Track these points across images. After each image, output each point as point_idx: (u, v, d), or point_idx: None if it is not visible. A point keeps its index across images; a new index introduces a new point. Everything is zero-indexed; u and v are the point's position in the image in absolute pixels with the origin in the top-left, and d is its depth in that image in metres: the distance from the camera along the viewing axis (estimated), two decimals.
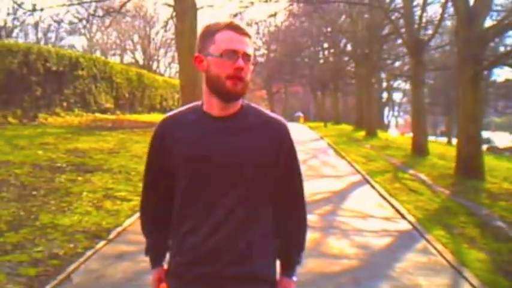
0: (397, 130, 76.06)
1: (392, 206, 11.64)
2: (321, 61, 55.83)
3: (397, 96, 74.88)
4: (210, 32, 2.50)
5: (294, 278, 2.73)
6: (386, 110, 72.98)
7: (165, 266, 2.74)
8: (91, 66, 29.52)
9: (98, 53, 59.59)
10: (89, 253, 7.33)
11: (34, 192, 10.79)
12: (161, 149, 2.61)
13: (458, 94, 18.82)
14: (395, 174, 16.66)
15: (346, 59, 46.30)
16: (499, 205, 12.24)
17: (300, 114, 61.05)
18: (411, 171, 17.39)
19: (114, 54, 66.02)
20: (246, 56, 2.44)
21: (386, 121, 72.21)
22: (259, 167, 2.50)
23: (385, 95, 65.90)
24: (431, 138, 45.06)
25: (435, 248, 8.41)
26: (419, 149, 22.06)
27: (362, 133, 33.41)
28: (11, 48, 23.22)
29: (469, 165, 15.75)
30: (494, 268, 7.60)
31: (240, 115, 2.54)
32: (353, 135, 33.96)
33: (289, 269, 2.73)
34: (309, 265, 7.17)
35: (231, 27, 2.47)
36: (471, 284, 6.83)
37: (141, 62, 59.95)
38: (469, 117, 15.86)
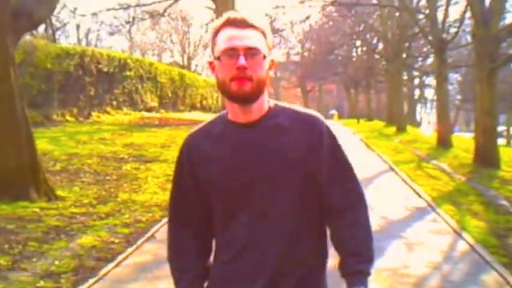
0: (430, 127, 76.73)
1: (412, 188, 13.48)
2: (354, 59, 57.19)
3: (429, 93, 75.65)
4: (214, 32, 2.26)
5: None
6: (418, 107, 74.17)
7: None
8: (137, 67, 31.61)
9: (137, 53, 61.94)
10: (164, 220, 9.33)
11: (108, 178, 12.91)
12: (189, 169, 2.34)
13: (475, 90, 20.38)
14: (419, 164, 18.42)
15: (377, 57, 47.71)
16: (507, 188, 13.88)
17: (334, 112, 62.53)
18: (434, 162, 19.09)
19: (153, 55, 68.42)
20: (250, 51, 2.16)
21: (418, 118, 73.38)
22: (301, 172, 2.25)
23: (417, 92, 67.04)
24: (465, 134, 46.19)
25: (443, 218, 10.24)
26: (444, 142, 23.66)
27: (393, 129, 34.93)
28: (68, 51, 25.46)
29: (486, 155, 17.38)
30: (489, 232, 9.36)
31: (268, 118, 2.28)
32: (384, 130, 35.58)
33: (352, 283, 2.26)
34: None
35: (230, 22, 2.22)
36: (467, 242, 8.61)
37: (179, 62, 62.11)
38: (485, 112, 17.53)
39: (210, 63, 2.28)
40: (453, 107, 67.00)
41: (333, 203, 2.33)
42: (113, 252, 7.42)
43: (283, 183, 2.23)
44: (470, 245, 8.43)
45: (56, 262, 6.80)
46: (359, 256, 2.29)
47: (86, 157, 15.37)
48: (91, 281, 6.31)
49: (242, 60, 2.13)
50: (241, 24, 2.20)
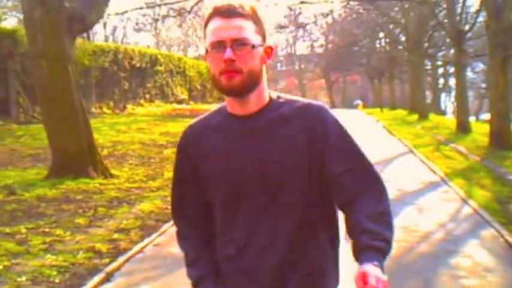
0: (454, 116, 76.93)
1: (428, 166, 14.76)
2: (377, 50, 57.99)
3: (453, 82, 75.75)
4: (204, 24, 2.14)
5: (376, 263, 1.92)
6: (443, 95, 74.62)
7: None
8: (167, 62, 33.21)
9: (163, 49, 63.40)
10: None
11: (151, 160, 14.38)
12: (188, 160, 2.28)
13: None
14: (438, 147, 19.62)
15: (400, 47, 48.55)
16: None
17: (359, 102, 63.34)
18: (452, 145, 20.26)
19: (178, 50, 69.84)
20: (237, 42, 2.04)
21: (443, 107, 73.84)
22: (303, 165, 2.13)
23: (441, 81, 67.57)
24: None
25: (453, 190, 11.52)
26: (463, 127, 24.72)
27: (415, 116, 35.94)
28: (103, 48, 27.07)
29: (500, 138, 18.51)
30: (493, 200, 10.59)
31: (268, 109, 2.17)
32: (406, 118, 36.64)
33: (362, 254, 1.98)
34: None
35: (217, 11, 2.08)
36: (471, 207, 9.88)
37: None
38: (499, 97, 18.71)
39: (205, 55, 2.15)
40: (477, 95, 67.77)
41: (344, 192, 2.13)
42: (169, 215, 8.79)
43: (284, 178, 2.13)
44: (474, 209, 9.70)
45: (124, 221, 8.29)
46: (372, 233, 2.01)
47: (128, 144, 16.86)
48: (154, 235, 7.76)
49: (228, 53, 2.03)
50: (228, 13, 2.06)
